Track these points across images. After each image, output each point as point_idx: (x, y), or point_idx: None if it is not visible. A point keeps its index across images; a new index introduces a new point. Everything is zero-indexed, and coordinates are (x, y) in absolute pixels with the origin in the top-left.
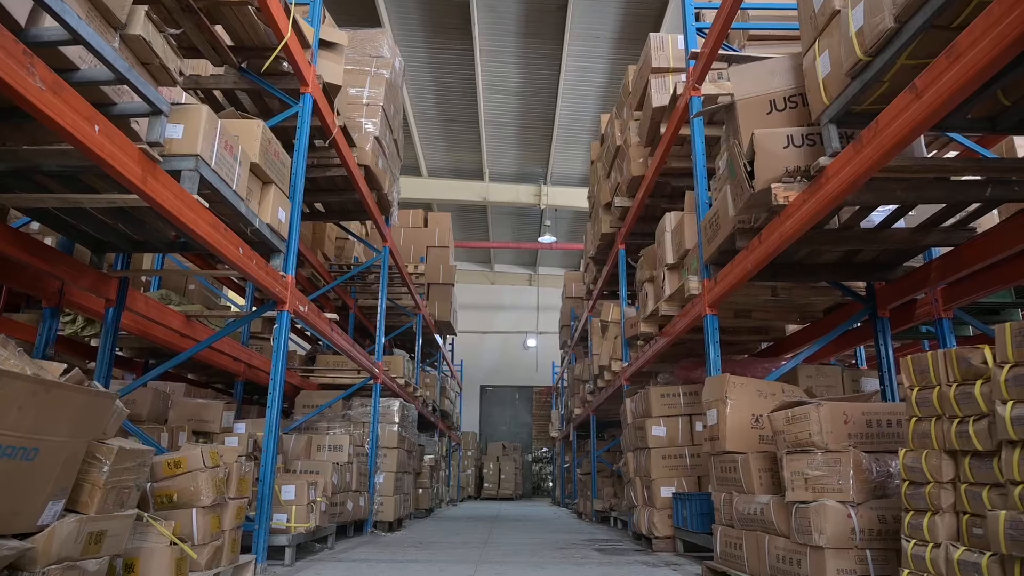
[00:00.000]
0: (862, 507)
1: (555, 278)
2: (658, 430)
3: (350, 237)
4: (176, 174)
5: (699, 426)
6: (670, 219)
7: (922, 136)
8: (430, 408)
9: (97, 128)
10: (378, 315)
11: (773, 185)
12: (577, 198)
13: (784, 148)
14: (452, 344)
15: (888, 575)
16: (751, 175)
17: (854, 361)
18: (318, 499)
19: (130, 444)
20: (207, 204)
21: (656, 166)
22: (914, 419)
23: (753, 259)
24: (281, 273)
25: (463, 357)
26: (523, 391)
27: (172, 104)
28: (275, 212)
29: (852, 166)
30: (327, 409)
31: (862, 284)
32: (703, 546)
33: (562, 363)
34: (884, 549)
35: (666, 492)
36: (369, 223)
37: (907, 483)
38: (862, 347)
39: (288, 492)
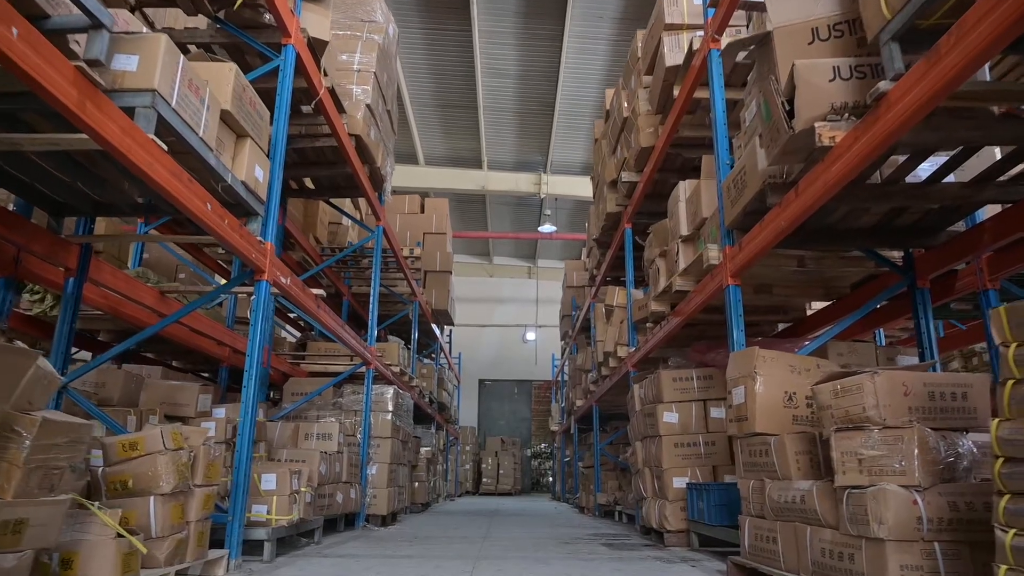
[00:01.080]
0: (929, 492)
1: (555, 271)
2: (670, 416)
3: (344, 221)
4: (130, 112)
5: (714, 412)
6: (684, 188)
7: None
8: (427, 399)
9: (15, 31)
10: (371, 298)
11: (817, 124)
12: (578, 187)
13: (830, 81)
14: (450, 336)
15: (960, 573)
16: (790, 114)
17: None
18: (302, 489)
19: (61, 417)
20: (166, 148)
21: (668, 133)
22: (1011, 382)
23: (787, 216)
24: (259, 239)
25: (462, 350)
26: (522, 385)
27: (126, 33)
28: (251, 169)
29: (922, 87)
30: (317, 397)
31: (897, 254)
32: (722, 540)
33: (562, 355)
34: (955, 542)
35: (679, 483)
36: (364, 207)
37: (1001, 460)
38: (881, 329)
39: (268, 481)
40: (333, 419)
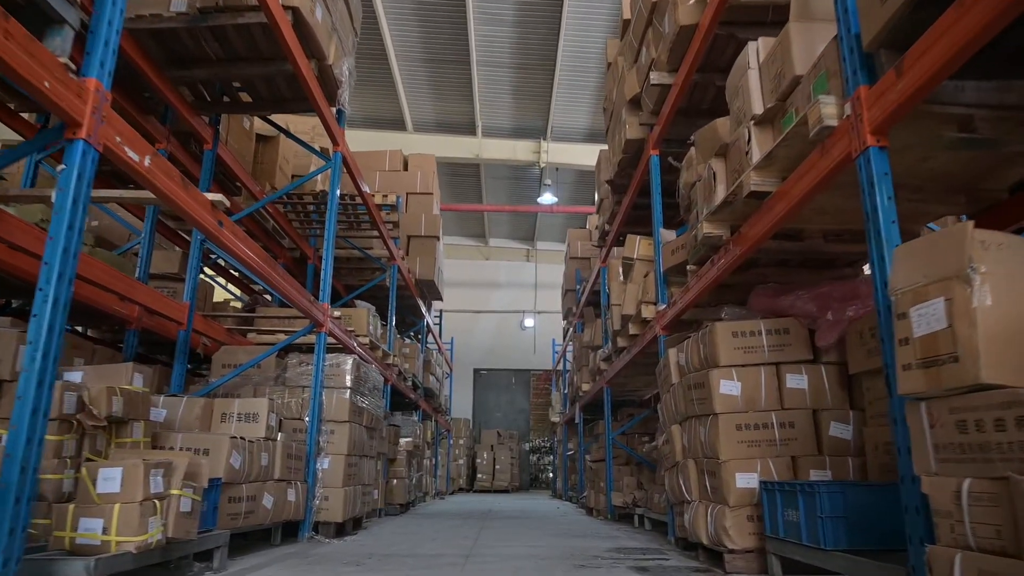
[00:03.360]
0: None
1: (555, 253)
2: (729, 386)
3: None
4: None
5: (792, 380)
6: (757, 49)
7: None
8: (409, 383)
9: None
10: (325, 247)
11: None
12: (581, 155)
13: None
14: (440, 317)
15: None
16: None
17: None
18: (173, 492)
19: None
20: None
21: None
22: None
23: None
24: (63, 60)
25: (455, 338)
26: (520, 375)
27: None
28: None
29: None
30: (255, 371)
31: None
32: (827, 571)
33: (565, 338)
34: None
35: (744, 481)
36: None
37: None
38: None
39: (108, 481)
40: (276, 399)
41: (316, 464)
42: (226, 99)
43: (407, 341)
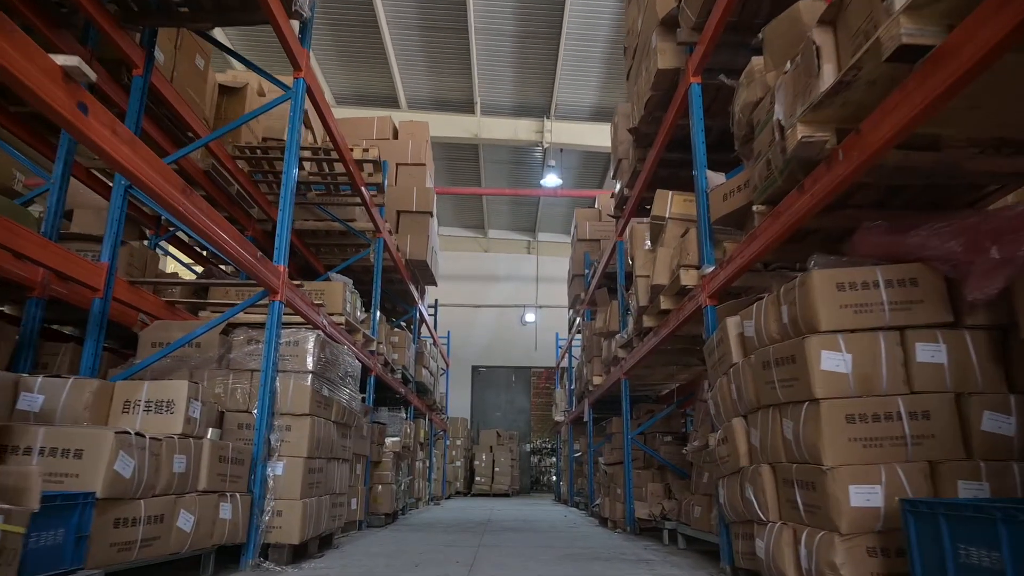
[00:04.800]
0: None
1: (557, 245)
2: (834, 360)
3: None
4: None
5: (923, 352)
6: None
7: None
8: (398, 376)
9: None
10: (283, 188)
11: None
12: (586, 135)
13: None
14: (435, 310)
15: None
16: None
17: None
18: None
19: None
20: None
21: None
22: None
23: None
24: None
25: (453, 334)
26: (520, 372)
27: None
28: None
29: None
30: (193, 350)
31: None
32: None
33: (570, 329)
34: None
35: (863, 497)
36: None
37: None
38: None
39: None
40: (191, 380)
41: (266, 470)
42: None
43: (396, 330)
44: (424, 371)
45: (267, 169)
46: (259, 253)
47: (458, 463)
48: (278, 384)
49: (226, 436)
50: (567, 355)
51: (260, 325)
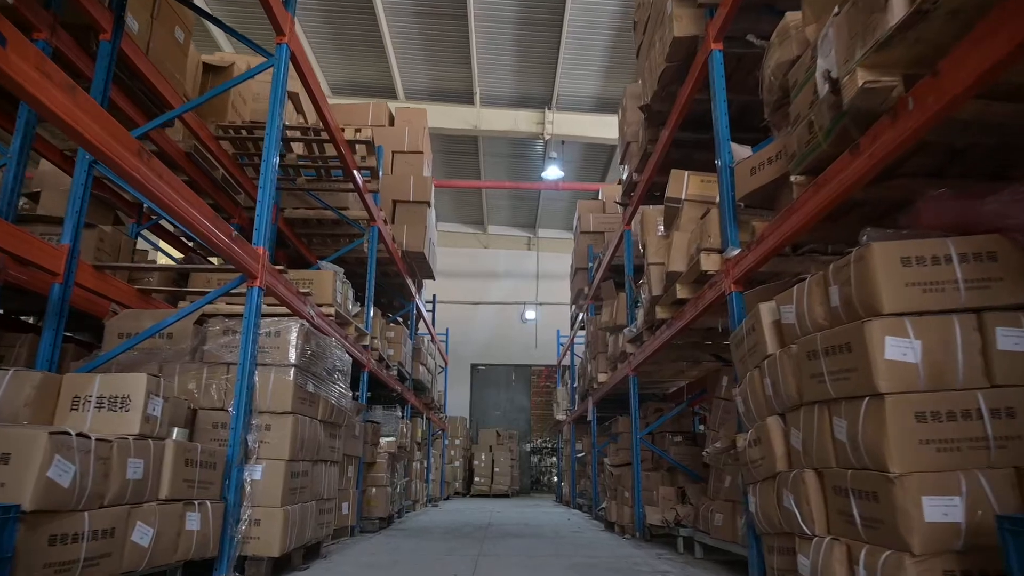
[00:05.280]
0: None
1: (558, 241)
2: (900, 348)
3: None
4: None
5: (1005, 339)
6: None
7: None
8: (394, 372)
9: None
10: (264, 163)
11: None
12: (589, 127)
13: None
14: (433, 306)
15: None
16: None
17: None
18: None
19: None
20: None
21: None
22: None
23: None
24: None
25: (451, 331)
26: (520, 371)
27: None
28: None
29: None
30: (165, 342)
31: None
32: None
33: (573, 326)
34: None
35: (938, 510)
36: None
37: None
38: None
39: None
40: (150, 374)
41: (243, 474)
42: None
43: (393, 325)
44: (421, 368)
45: (253, 151)
46: (235, 233)
47: (457, 463)
48: (257, 379)
49: (198, 436)
50: (569, 352)
51: (240, 316)
